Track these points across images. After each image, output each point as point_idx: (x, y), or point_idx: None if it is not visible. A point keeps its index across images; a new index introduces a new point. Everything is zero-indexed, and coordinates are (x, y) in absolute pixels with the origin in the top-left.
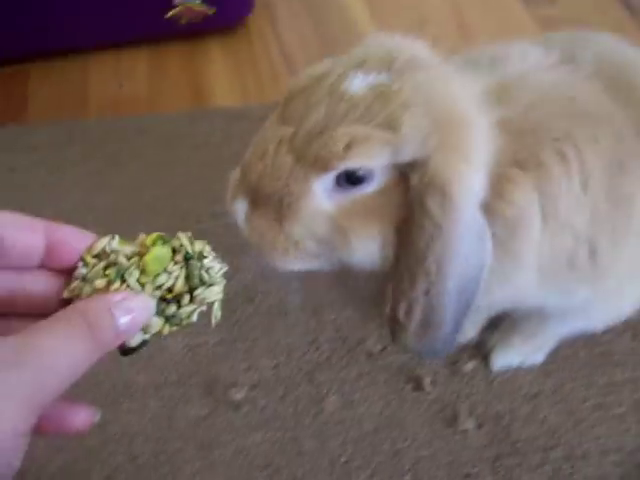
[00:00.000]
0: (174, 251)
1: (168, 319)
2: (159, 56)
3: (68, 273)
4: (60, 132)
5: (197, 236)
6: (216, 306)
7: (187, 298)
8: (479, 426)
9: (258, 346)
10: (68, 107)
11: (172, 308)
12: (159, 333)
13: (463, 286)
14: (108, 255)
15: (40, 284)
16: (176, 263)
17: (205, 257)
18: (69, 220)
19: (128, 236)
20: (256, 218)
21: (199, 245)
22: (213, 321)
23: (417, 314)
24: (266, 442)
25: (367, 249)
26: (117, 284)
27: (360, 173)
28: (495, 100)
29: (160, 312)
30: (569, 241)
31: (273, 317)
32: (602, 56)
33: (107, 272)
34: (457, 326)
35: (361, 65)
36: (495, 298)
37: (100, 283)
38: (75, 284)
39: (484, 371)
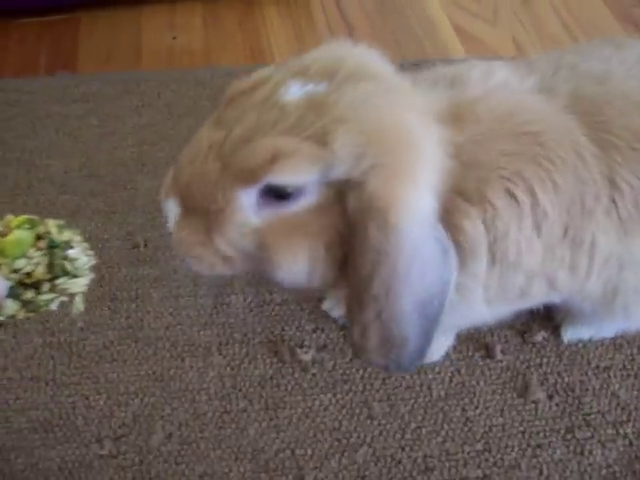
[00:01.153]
0: (39, 237)
1: (25, 304)
2: (214, 11)
3: None
4: (113, 82)
5: None
6: (78, 298)
7: (47, 286)
8: (550, 397)
9: None
10: (119, 57)
11: (29, 294)
12: (14, 317)
13: (425, 303)
14: None
15: None
16: (38, 249)
17: (72, 248)
18: (122, 171)
19: None
20: (186, 226)
21: (68, 235)
22: (74, 312)
23: (373, 336)
24: (334, 405)
25: (292, 269)
26: None
27: (288, 189)
28: (450, 121)
29: (16, 296)
30: (520, 278)
31: None
32: (582, 91)
33: None
34: (425, 342)
35: (303, 73)
36: (447, 322)
37: None
38: None
39: (554, 342)
